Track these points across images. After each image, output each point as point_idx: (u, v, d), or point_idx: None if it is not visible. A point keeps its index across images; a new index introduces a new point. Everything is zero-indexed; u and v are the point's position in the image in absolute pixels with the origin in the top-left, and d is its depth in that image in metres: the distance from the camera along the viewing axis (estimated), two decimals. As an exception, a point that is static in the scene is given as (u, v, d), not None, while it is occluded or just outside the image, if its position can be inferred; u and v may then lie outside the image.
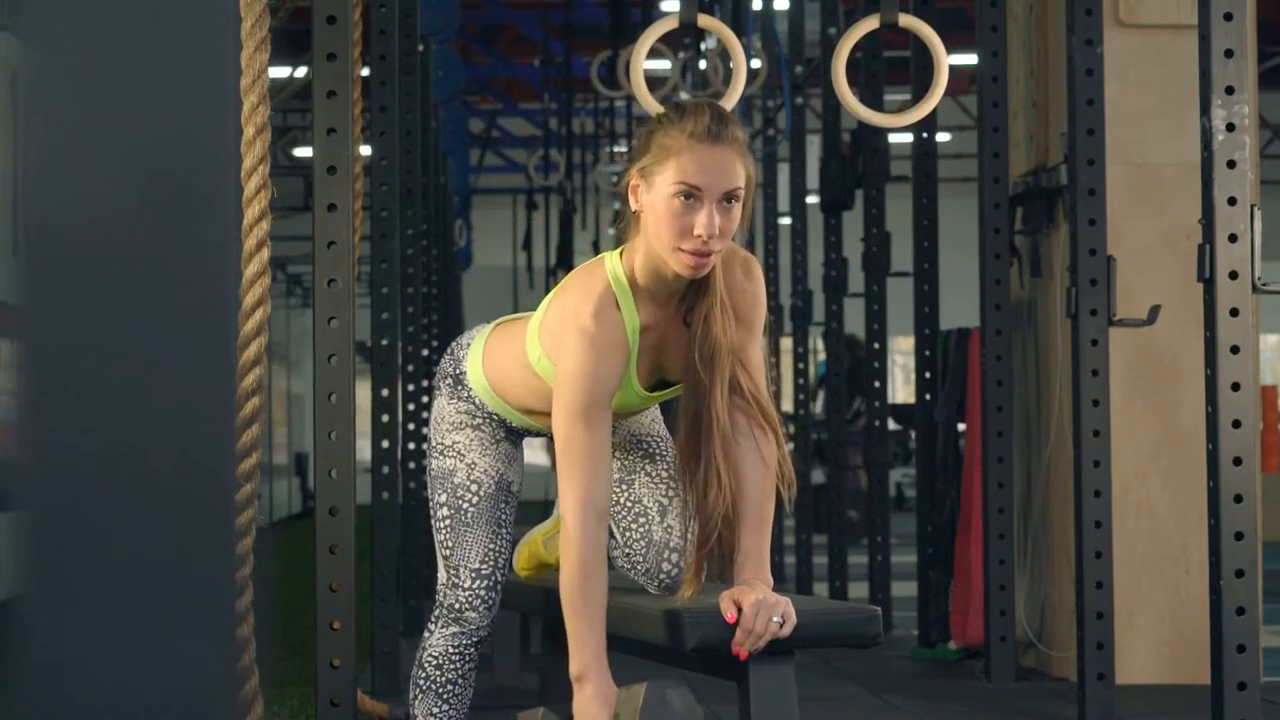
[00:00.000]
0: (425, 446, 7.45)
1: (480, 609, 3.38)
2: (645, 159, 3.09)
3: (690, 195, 3.03)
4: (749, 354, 3.17)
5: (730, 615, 3.03)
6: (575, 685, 3.06)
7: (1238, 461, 4.01)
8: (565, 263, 14.46)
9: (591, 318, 3.11)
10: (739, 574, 3.13)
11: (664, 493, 3.41)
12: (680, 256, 3.04)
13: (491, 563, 3.38)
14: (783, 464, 3.18)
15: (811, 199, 8.96)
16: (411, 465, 7.44)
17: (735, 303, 3.16)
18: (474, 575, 3.38)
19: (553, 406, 3.14)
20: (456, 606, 3.38)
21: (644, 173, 3.09)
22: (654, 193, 3.06)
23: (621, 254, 3.17)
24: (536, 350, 3.25)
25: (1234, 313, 4.02)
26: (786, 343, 10.09)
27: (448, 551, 3.39)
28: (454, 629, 3.39)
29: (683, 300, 3.18)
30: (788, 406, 12.43)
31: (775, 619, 3.02)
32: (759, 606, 3.02)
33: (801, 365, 9.62)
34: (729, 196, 3.04)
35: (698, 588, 3.20)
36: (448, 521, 3.39)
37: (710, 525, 3.12)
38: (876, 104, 6.85)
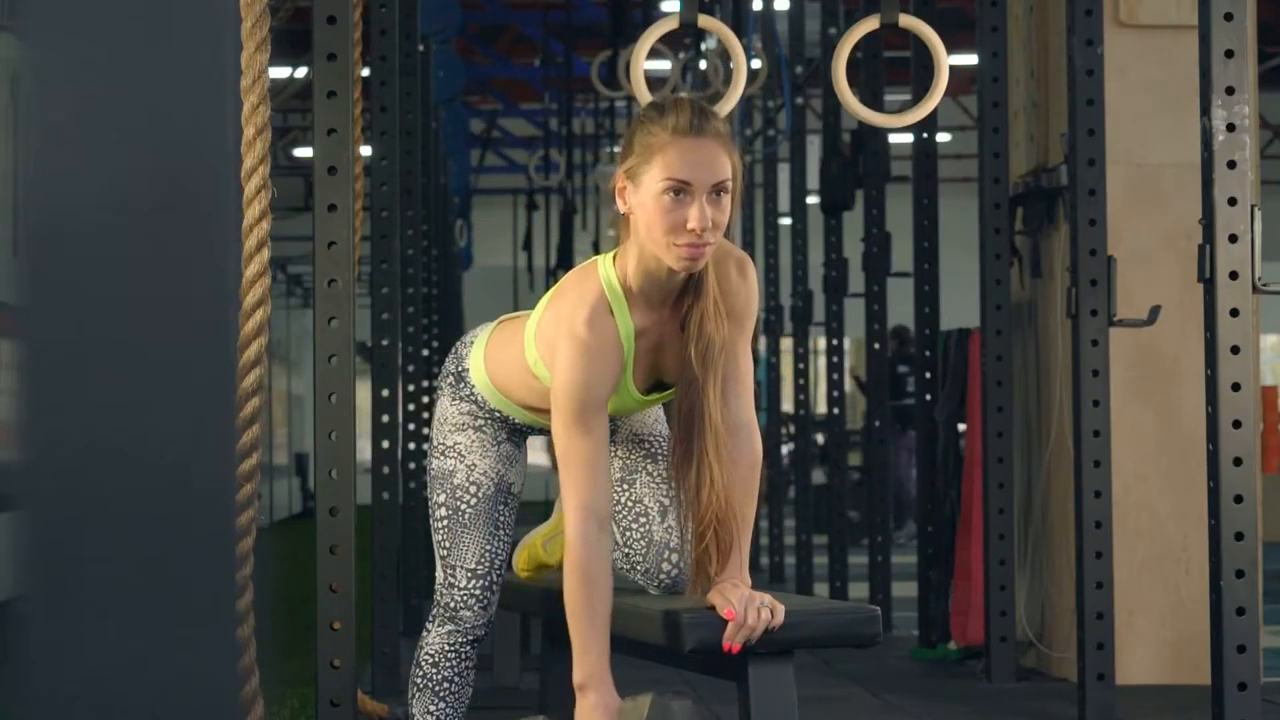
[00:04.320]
0: (426, 447, 7.44)
1: (475, 609, 3.39)
2: (630, 160, 3.09)
3: (679, 191, 3.03)
4: (738, 353, 3.18)
5: (727, 611, 3.04)
6: (578, 693, 3.05)
7: (1238, 462, 4.01)
8: (565, 263, 14.47)
9: (585, 325, 3.11)
10: (718, 572, 3.14)
11: (665, 493, 3.41)
12: (676, 250, 3.05)
13: (487, 564, 3.38)
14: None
15: (812, 199, 8.96)
16: (411, 465, 7.44)
17: (728, 301, 3.17)
18: (469, 576, 3.38)
19: (551, 416, 3.14)
20: (452, 606, 3.39)
21: (630, 174, 3.09)
22: (642, 191, 3.06)
23: (615, 259, 3.17)
24: (533, 353, 3.26)
25: (1234, 313, 4.02)
26: (786, 343, 10.10)
27: (444, 551, 3.40)
28: (449, 627, 3.39)
29: (678, 302, 3.19)
30: (788, 406, 12.42)
31: (764, 609, 3.04)
32: (746, 600, 3.05)
33: (802, 365, 9.62)
34: (718, 189, 3.05)
35: (703, 586, 3.19)
36: (445, 522, 3.40)
37: (704, 523, 3.13)
38: (876, 104, 6.85)
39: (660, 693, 3.07)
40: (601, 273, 3.16)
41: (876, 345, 7.58)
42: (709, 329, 3.13)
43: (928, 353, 6.62)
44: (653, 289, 3.14)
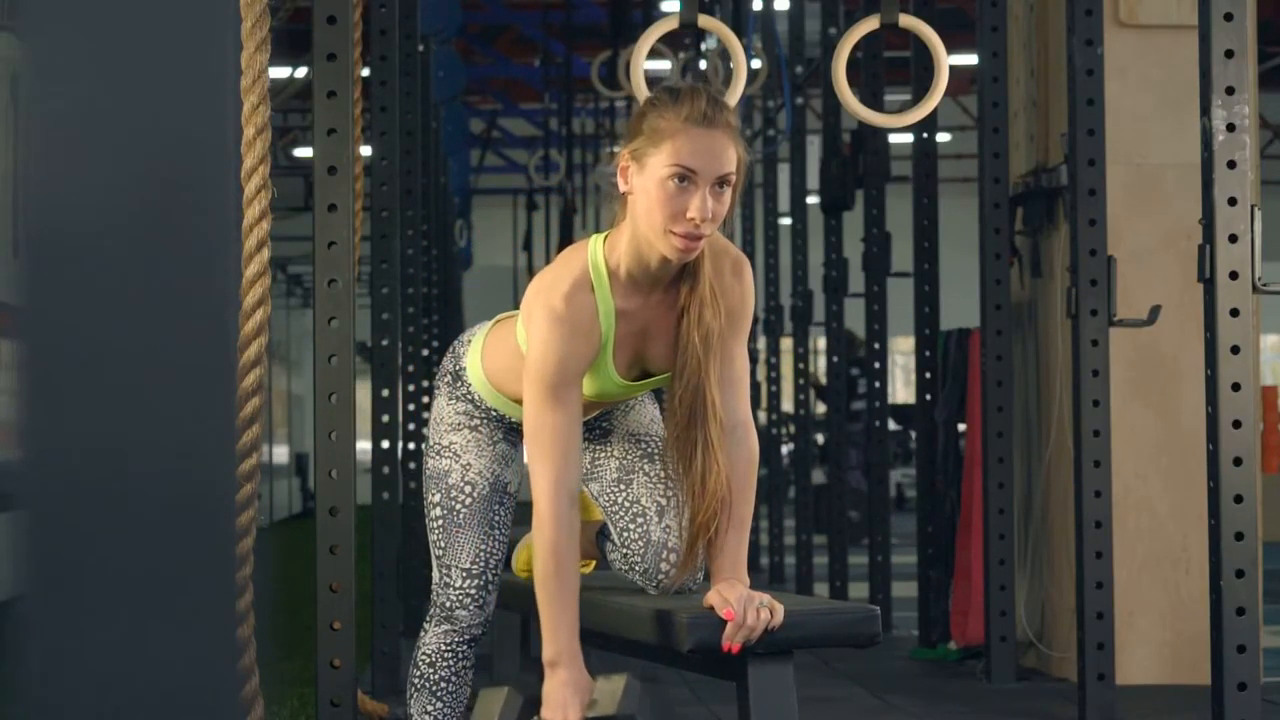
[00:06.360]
0: (425, 446, 7.44)
1: (471, 608, 3.39)
2: (638, 141, 3.10)
3: (684, 178, 3.04)
4: (733, 353, 3.18)
5: (727, 611, 3.04)
6: (548, 670, 3.06)
7: (1238, 462, 4.01)
8: (565, 263, 14.45)
9: (562, 298, 3.12)
10: (716, 572, 3.15)
11: (662, 493, 3.41)
12: (671, 239, 3.05)
13: (482, 563, 3.38)
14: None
15: (812, 199, 8.97)
16: (411, 465, 7.44)
17: (724, 300, 3.17)
18: (464, 575, 3.38)
19: (523, 388, 3.15)
20: (448, 606, 3.39)
21: (636, 155, 3.09)
22: (646, 175, 3.07)
23: (606, 239, 3.18)
24: (523, 334, 3.26)
25: (1234, 313, 4.02)
26: (786, 343, 10.10)
27: (440, 551, 3.40)
28: (445, 627, 3.40)
29: (668, 290, 3.18)
30: (788, 406, 12.42)
31: (763, 608, 3.04)
32: (745, 600, 3.04)
33: (802, 365, 9.62)
34: (722, 181, 3.06)
35: (687, 576, 3.27)
36: (440, 522, 3.40)
37: (709, 511, 3.13)
38: (876, 104, 6.85)
39: (634, 675, 3.08)
40: (590, 250, 3.17)
41: (876, 345, 7.59)
42: (707, 316, 3.14)
43: (927, 353, 6.62)
44: (640, 273, 3.15)
